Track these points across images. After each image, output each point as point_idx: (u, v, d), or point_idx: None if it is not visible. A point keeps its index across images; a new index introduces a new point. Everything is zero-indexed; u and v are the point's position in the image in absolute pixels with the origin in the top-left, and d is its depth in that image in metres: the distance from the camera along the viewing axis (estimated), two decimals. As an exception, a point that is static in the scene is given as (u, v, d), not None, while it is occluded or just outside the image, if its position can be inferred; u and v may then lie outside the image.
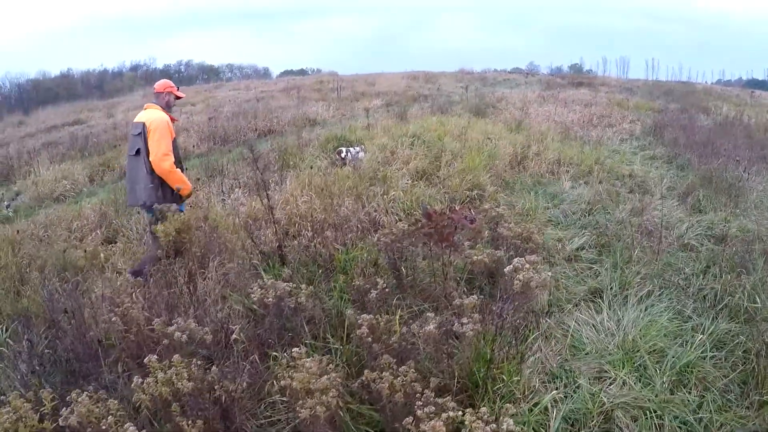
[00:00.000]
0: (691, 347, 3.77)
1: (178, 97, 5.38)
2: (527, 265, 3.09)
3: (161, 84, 5.33)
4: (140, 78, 58.72)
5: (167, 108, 5.23)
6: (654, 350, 3.79)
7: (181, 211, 4.87)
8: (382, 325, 3.05)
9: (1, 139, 22.19)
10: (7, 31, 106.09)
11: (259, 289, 3.64)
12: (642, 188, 8.22)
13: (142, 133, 4.84)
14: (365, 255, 4.84)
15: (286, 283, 3.67)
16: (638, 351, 3.76)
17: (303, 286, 3.70)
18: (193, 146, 14.99)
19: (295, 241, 5.51)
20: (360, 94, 24.94)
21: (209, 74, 69.09)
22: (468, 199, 7.06)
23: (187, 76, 66.41)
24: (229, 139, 15.47)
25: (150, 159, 4.80)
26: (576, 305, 4.53)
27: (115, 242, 6.74)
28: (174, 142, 5.04)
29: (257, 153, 6.81)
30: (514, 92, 22.47)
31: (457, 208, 4.22)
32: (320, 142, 11.00)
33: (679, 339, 3.97)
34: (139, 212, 6.86)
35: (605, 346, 3.88)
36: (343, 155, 9.54)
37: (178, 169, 4.98)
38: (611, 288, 4.67)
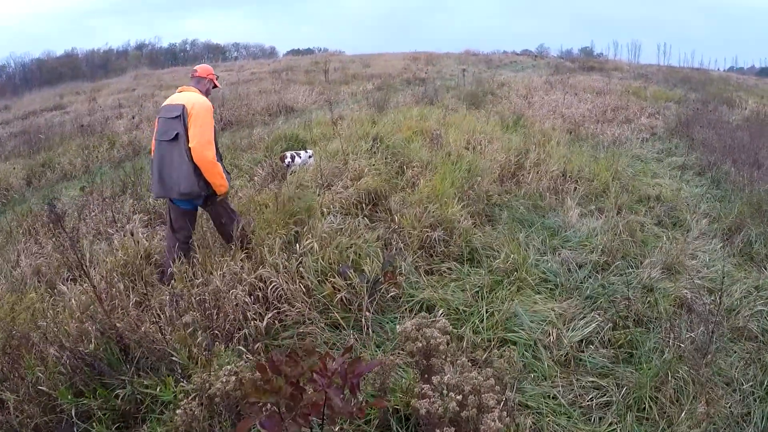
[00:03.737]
0: None
1: (215, 86, 4.82)
2: None
3: (204, 68, 4.75)
4: (145, 57, 58.50)
5: (206, 95, 4.62)
6: None
7: (188, 208, 4.60)
8: None
9: (-25, 126, 20.64)
10: (12, 11, 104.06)
11: None
12: (673, 218, 6.11)
13: (182, 116, 4.27)
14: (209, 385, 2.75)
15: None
16: None
17: None
18: (146, 141, 13.03)
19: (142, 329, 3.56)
20: (351, 77, 22.77)
21: (215, 53, 68.19)
22: (428, 242, 4.96)
23: (192, 55, 66.01)
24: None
25: (190, 144, 4.25)
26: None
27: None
28: (214, 131, 4.46)
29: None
30: (520, 76, 20.13)
31: (333, 355, 2.14)
32: (267, 142, 8.87)
33: None
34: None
35: None
36: (287, 161, 7.50)
37: (219, 164, 4.43)
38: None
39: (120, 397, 3.05)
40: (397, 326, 2.59)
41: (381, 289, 4.08)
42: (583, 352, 3.54)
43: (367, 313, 3.85)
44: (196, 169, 4.30)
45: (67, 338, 3.45)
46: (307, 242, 4.43)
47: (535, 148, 8.04)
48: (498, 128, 9.44)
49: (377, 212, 5.80)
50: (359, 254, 4.43)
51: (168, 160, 4.36)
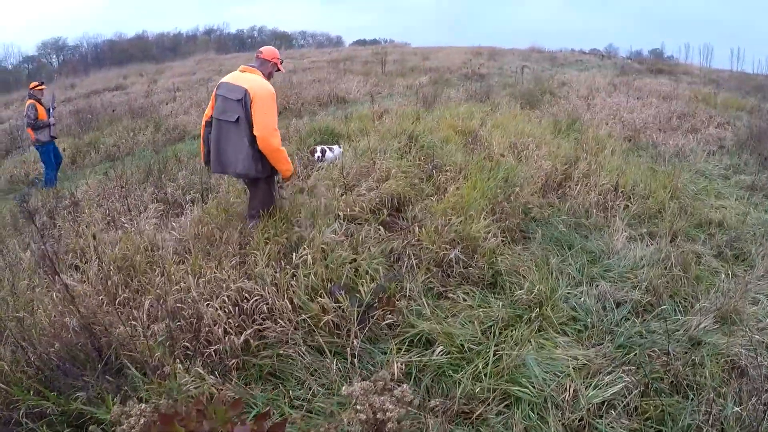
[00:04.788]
0: None
1: (278, 70, 4.74)
2: None
3: (270, 51, 4.66)
4: (213, 42, 59.87)
5: (268, 78, 4.57)
6: None
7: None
8: None
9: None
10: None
11: None
12: (735, 249, 5.29)
13: (243, 99, 4.25)
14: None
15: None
16: None
17: None
18: (195, 124, 13.01)
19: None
20: (409, 70, 22.18)
21: (282, 41, 69.26)
22: (446, 260, 4.39)
23: (259, 41, 67.05)
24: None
25: (255, 132, 4.26)
26: None
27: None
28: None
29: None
30: (583, 76, 19.03)
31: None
32: (301, 135, 8.45)
33: None
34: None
35: None
36: (317, 155, 7.11)
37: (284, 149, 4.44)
38: None
39: (78, 400, 2.79)
40: (344, 388, 2.07)
41: (375, 315, 3.57)
42: (601, 418, 2.90)
43: (356, 341, 3.37)
44: (255, 154, 4.34)
45: (41, 333, 3.27)
46: (304, 252, 3.95)
47: (586, 156, 7.31)
48: (549, 131, 8.71)
49: (399, 220, 5.29)
50: (358, 271, 3.92)
51: (226, 140, 4.41)
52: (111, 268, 4.22)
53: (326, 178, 6.11)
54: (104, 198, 6.93)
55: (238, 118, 4.30)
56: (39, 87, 9.27)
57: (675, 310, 4.07)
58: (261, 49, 4.69)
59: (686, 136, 10.02)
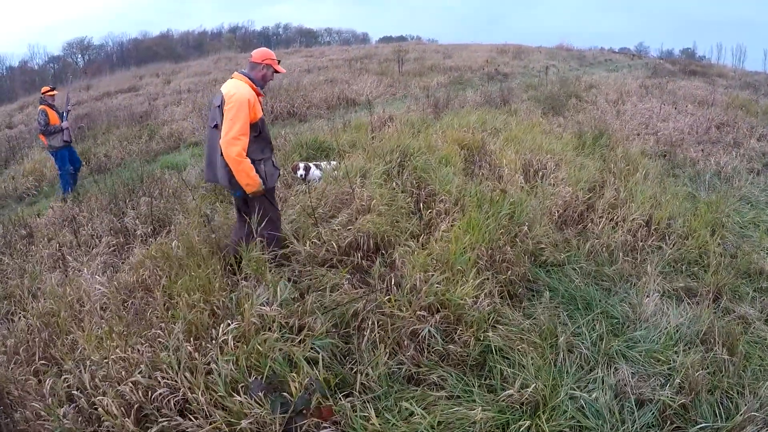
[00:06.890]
0: None
1: (277, 72, 4.37)
2: None
3: (260, 53, 4.31)
4: (238, 39, 60.09)
5: (261, 82, 4.29)
6: None
7: (237, 195, 4.33)
8: None
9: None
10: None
11: None
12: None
13: (221, 105, 4.01)
14: None
15: None
16: None
17: None
18: (192, 131, 12.22)
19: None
20: (428, 69, 21.12)
21: (307, 38, 69.44)
22: (417, 339, 3.37)
23: (284, 39, 67.50)
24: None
25: (220, 141, 3.97)
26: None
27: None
28: (261, 121, 4.16)
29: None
30: (613, 77, 17.68)
31: None
32: (286, 150, 7.49)
33: None
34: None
35: None
36: (300, 173, 6.21)
37: (248, 160, 4.01)
38: None
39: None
40: None
41: (305, 425, 2.60)
42: None
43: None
44: (227, 164, 4.05)
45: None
46: (227, 328, 2.99)
47: (614, 180, 6.20)
48: (571, 146, 7.56)
49: (372, 270, 4.19)
50: (293, 359, 2.93)
51: (212, 149, 4.21)
52: (37, 324, 3.66)
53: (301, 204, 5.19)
54: (60, 228, 6.14)
55: (216, 125, 4.10)
56: (50, 92, 8.97)
57: (715, 412, 3.00)
58: (252, 53, 4.33)
59: (728, 152, 8.73)
